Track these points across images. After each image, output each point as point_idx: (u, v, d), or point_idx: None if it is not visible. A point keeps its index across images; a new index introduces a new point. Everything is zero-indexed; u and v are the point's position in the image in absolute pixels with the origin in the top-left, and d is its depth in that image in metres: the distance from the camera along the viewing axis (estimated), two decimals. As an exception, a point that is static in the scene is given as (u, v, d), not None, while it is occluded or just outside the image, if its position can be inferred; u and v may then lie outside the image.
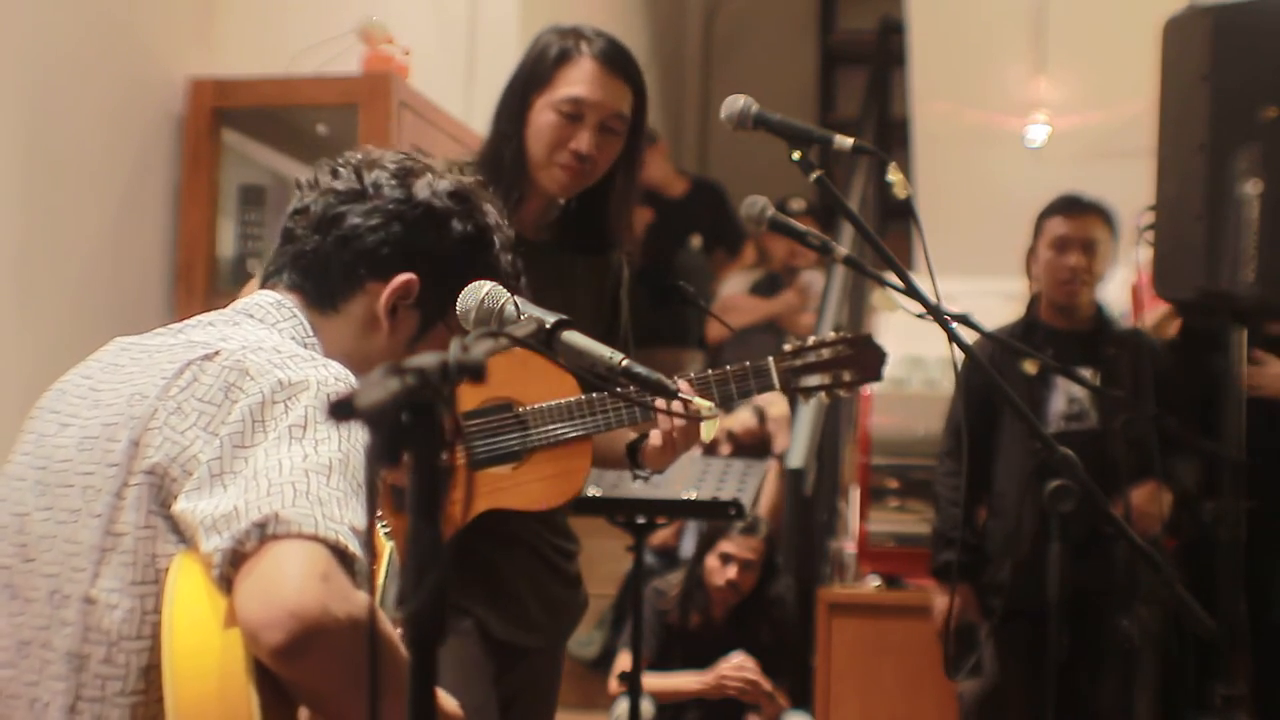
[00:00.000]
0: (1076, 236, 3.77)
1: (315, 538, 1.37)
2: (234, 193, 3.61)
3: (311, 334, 1.65)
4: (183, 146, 3.48)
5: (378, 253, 1.66)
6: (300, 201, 1.70)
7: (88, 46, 3.19)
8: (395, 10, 4.15)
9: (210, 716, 1.38)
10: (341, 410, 1.08)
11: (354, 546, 1.39)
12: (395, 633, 1.43)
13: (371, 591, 1.47)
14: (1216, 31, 2.54)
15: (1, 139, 2.95)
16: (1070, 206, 3.82)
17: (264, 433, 1.44)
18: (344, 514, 1.40)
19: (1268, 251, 2.47)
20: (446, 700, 1.54)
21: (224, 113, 3.50)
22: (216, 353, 1.52)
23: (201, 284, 3.42)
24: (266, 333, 1.60)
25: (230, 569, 1.38)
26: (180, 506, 1.43)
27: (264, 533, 1.37)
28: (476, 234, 1.72)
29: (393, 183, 1.69)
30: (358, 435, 1.47)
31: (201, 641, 1.40)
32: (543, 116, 2.37)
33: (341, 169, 1.70)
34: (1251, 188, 2.47)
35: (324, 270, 1.67)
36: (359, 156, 1.72)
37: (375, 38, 3.69)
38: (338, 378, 1.51)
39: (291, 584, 1.34)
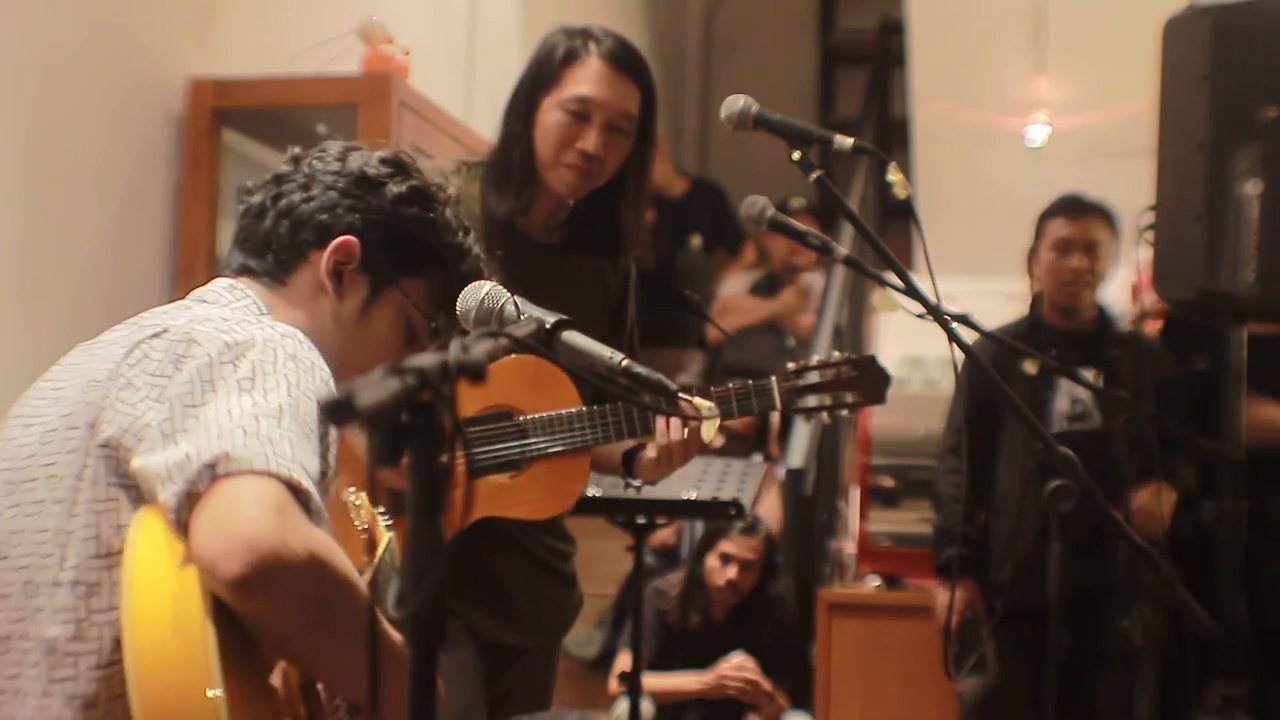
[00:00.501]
0: (1078, 238, 3.77)
1: (268, 473, 1.38)
2: (234, 193, 3.61)
3: (264, 310, 1.66)
4: (183, 146, 3.47)
5: (315, 220, 1.68)
6: (246, 202, 1.74)
7: (88, 47, 3.19)
8: (395, 10, 4.15)
9: (167, 658, 1.37)
10: (341, 410, 1.08)
11: (307, 483, 1.40)
12: (356, 576, 1.42)
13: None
14: (1216, 31, 2.54)
15: (2, 140, 2.95)
16: (1072, 208, 3.82)
17: (213, 391, 1.45)
18: (295, 453, 1.41)
19: (1268, 251, 2.47)
20: None
21: (224, 113, 3.50)
22: (165, 330, 1.53)
23: (201, 284, 3.40)
24: (218, 310, 1.63)
25: (185, 512, 1.38)
26: (136, 464, 1.45)
27: (214, 472, 1.37)
28: (413, 194, 1.72)
29: (329, 159, 1.72)
30: (307, 383, 1.48)
31: (158, 585, 1.40)
32: (550, 116, 2.36)
33: (284, 162, 1.74)
34: (1251, 188, 2.47)
35: (267, 246, 1.70)
36: (299, 150, 1.76)
37: (375, 38, 3.69)
38: (284, 334, 1.52)
39: (247, 516, 1.34)
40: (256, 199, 1.71)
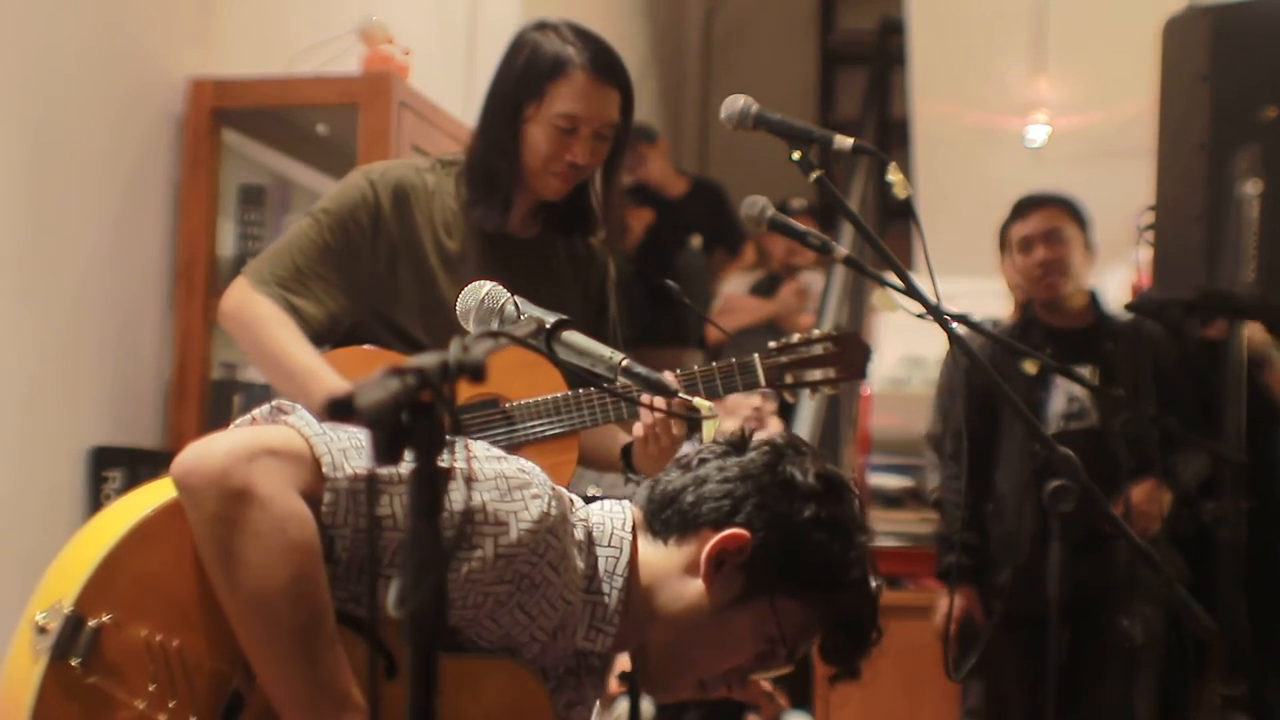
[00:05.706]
0: (1036, 232, 3.81)
1: (304, 437, 1.46)
2: (234, 193, 3.61)
3: (628, 527, 1.65)
4: (183, 146, 3.47)
5: (720, 502, 1.63)
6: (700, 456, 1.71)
7: (88, 47, 3.19)
8: (395, 10, 4.15)
9: (58, 562, 1.50)
10: (341, 410, 1.08)
11: (331, 470, 1.45)
12: (288, 519, 1.43)
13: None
14: (1216, 31, 2.54)
15: (2, 140, 2.95)
16: (1023, 208, 3.88)
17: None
18: (351, 458, 1.47)
19: (1268, 251, 2.47)
20: None
21: (224, 113, 3.50)
22: None
23: (201, 284, 3.41)
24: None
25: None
26: None
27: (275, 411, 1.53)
28: (830, 521, 1.63)
29: (767, 453, 1.66)
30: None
31: (118, 506, 1.55)
32: (537, 131, 2.39)
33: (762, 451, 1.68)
34: (1251, 188, 2.47)
35: (670, 504, 1.67)
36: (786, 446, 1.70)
37: (375, 38, 3.69)
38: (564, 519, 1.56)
39: (232, 434, 1.45)
40: (694, 456, 1.68)
